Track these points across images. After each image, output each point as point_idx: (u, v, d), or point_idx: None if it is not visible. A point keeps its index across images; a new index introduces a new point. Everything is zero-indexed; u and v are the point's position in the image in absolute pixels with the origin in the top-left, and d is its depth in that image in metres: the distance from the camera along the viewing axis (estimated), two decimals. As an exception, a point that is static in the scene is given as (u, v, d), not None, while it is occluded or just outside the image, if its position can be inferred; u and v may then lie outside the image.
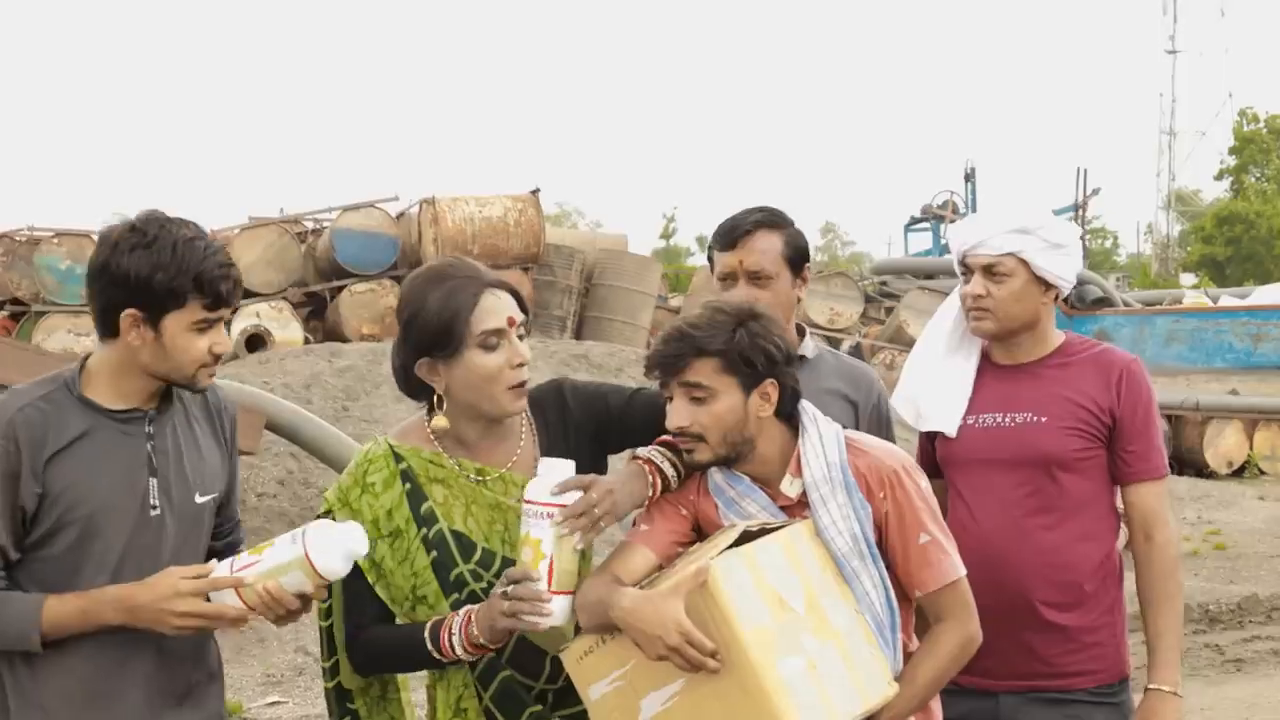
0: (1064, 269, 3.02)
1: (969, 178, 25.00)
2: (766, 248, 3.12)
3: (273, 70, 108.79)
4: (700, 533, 2.59)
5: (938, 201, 24.81)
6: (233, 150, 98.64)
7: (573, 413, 2.66)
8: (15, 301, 14.92)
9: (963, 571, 2.52)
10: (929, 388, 3.11)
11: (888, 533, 2.51)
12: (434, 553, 2.55)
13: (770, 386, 2.52)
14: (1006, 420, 3.01)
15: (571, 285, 15.07)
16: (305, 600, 2.45)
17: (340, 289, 14.91)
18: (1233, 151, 50.14)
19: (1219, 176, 51.85)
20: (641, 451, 2.58)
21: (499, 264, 14.21)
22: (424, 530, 2.55)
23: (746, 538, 2.42)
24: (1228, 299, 20.51)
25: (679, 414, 2.50)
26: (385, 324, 14.33)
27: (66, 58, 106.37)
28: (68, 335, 14.27)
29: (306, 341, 14.14)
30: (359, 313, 14.60)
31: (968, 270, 3.06)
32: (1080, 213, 27.76)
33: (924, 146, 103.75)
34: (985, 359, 3.12)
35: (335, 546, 2.41)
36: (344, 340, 13.85)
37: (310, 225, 16.31)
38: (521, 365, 2.56)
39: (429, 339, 2.55)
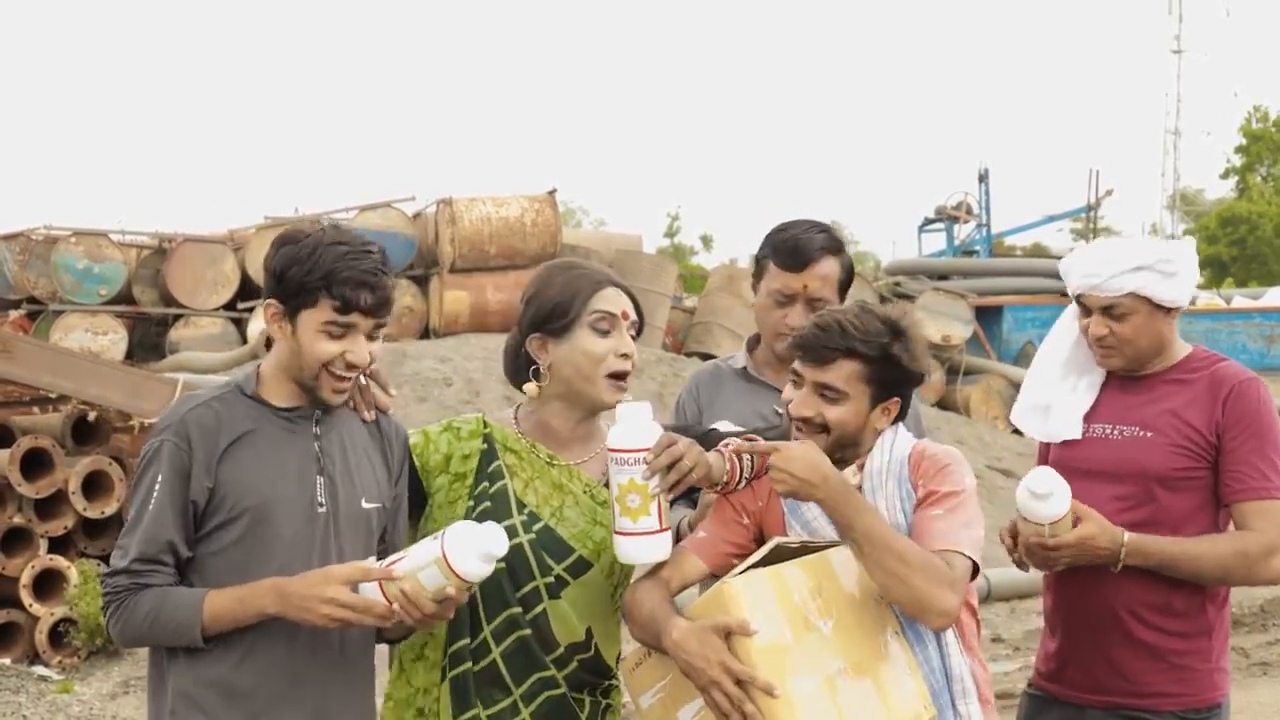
0: (1181, 292, 2.99)
1: (983, 179, 24.97)
2: (828, 273, 3.18)
3: (288, 70, 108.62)
4: (763, 541, 2.62)
5: (952, 202, 24.83)
6: (249, 150, 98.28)
7: None
8: (32, 300, 14.95)
9: (961, 548, 2.44)
10: (1051, 401, 3.11)
11: (916, 510, 2.54)
12: (486, 504, 2.69)
13: (894, 404, 2.62)
14: (1115, 433, 3.01)
15: (588, 286, 15.06)
16: (445, 605, 2.43)
17: (357, 288, 14.86)
18: (1239, 150, 50.10)
19: (1225, 175, 51.83)
20: (723, 442, 2.68)
21: (516, 264, 14.25)
22: (484, 484, 2.72)
23: (784, 553, 2.48)
24: (1241, 300, 20.53)
25: (807, 404, 2.59)
26: (402, 324, 14.35)
27: (82, 57, 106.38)
28: (84, 334, 14.29)
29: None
30: (376, 312, 14.59)
31: (1085, 308, 3.05)
32: (1092, 214, 27.80)
33: (930, 147, 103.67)
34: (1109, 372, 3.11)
35: (472, 547, 2.39)
36: (361, 340, 13.82)
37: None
38: (626, 356, 2.70)
39: (546, 313, 2.71)
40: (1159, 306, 2.98)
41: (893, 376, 2.58)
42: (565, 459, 2.75)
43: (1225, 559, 2.88)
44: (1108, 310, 2.99)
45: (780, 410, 3.07)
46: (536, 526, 2.68)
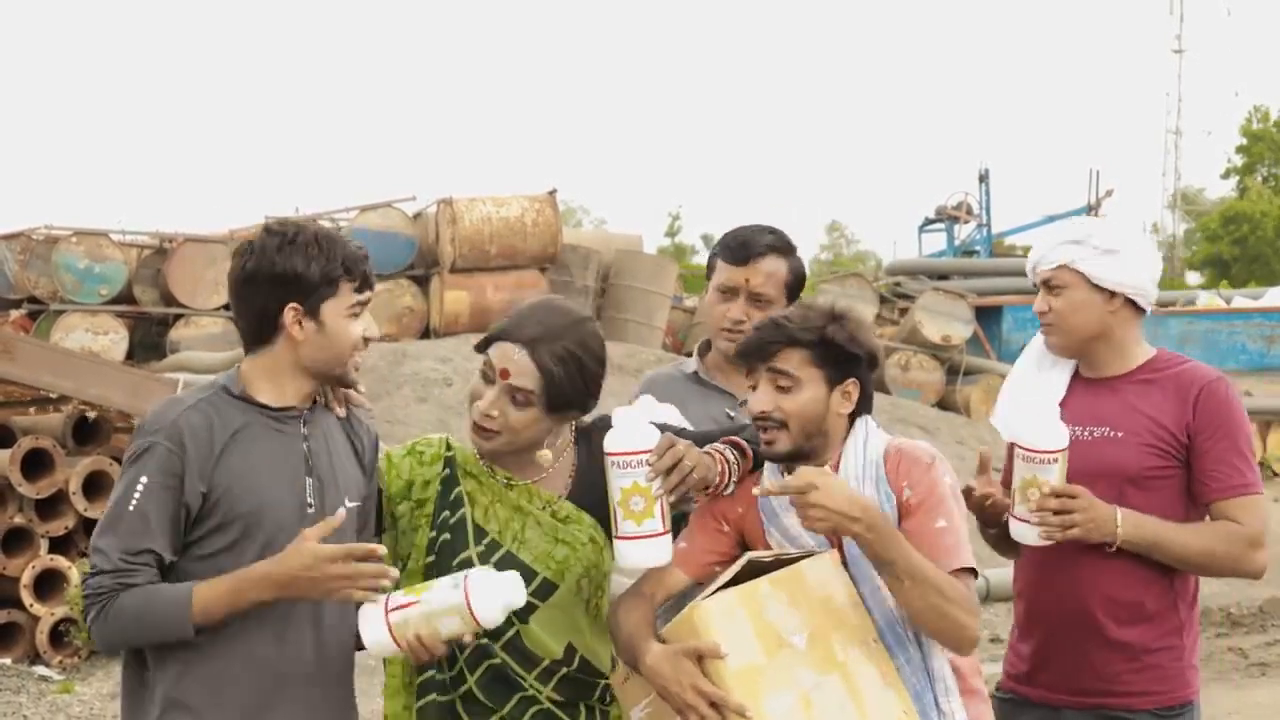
0: (1123, 274, 3.01)
1: (983, 179, 24.97)
2: (773, 271, 3.19)
3: (288, 70, 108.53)
4: (745, 548, 2.65)
5: (952, 202, 24.81)
6: (249, 150, 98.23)
7: None
8: (33, 300, 14.95)
9: (971, 563, 2.52)
10: (1021, 402, 3.13)
11: (908, 517, 2.54)
12: (445, 535, 2.68)
13: (852, 386, 2.63)
14: (1085, 434, 3.01)
15: (588, 285, 15.06)
16: (450, 646, 2.47)
17: (358, 289, 14.86)
18: (1240, 150, 50.06)
19: (1225, 175, 51.79)
20: (708, 446, 2.68)
21: (516, 264, 14.27)
22: (445, 513, 2.69)
23: (757, 568, 2.49)
24: (1241, 300, 20.53)
25: (763, 399, 2.60)
26: (402, 324, 14.37)
27: (82, 57, 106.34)
28: (85, 334, 14.26)
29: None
30: (376, 312, 14.53)
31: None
32: (1093, 214, 27.77)
33: (931, 147, 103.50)
34: (1076, 374, 3.14)
35: (497, 596, 2.41)
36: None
37: (327, 225, 16.31)
38: (485, 415, 2.64)
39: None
40: (1098, 288, 3.01)
41: (839, 357, 2.60)
42: (522, 477, 2.73)
43: (1211, 545, 2.93)
44: (1047, 284, 3.07)
45: (732, 414, 3.10)
46: (496, 555, 2.66)
